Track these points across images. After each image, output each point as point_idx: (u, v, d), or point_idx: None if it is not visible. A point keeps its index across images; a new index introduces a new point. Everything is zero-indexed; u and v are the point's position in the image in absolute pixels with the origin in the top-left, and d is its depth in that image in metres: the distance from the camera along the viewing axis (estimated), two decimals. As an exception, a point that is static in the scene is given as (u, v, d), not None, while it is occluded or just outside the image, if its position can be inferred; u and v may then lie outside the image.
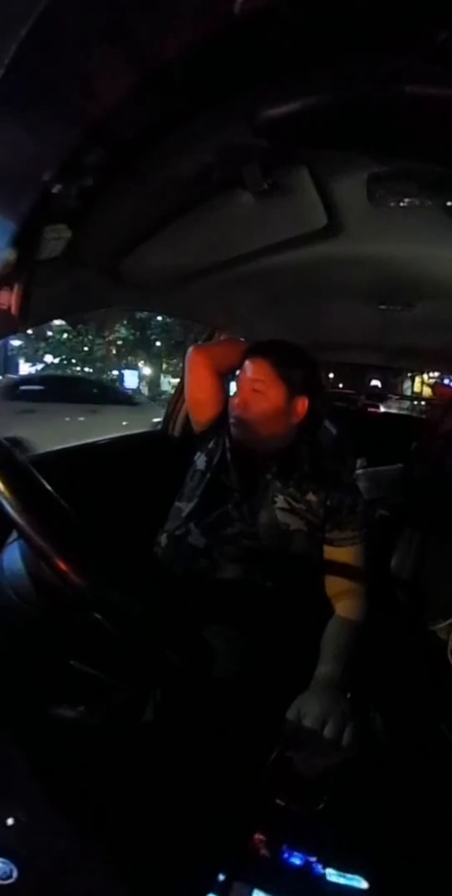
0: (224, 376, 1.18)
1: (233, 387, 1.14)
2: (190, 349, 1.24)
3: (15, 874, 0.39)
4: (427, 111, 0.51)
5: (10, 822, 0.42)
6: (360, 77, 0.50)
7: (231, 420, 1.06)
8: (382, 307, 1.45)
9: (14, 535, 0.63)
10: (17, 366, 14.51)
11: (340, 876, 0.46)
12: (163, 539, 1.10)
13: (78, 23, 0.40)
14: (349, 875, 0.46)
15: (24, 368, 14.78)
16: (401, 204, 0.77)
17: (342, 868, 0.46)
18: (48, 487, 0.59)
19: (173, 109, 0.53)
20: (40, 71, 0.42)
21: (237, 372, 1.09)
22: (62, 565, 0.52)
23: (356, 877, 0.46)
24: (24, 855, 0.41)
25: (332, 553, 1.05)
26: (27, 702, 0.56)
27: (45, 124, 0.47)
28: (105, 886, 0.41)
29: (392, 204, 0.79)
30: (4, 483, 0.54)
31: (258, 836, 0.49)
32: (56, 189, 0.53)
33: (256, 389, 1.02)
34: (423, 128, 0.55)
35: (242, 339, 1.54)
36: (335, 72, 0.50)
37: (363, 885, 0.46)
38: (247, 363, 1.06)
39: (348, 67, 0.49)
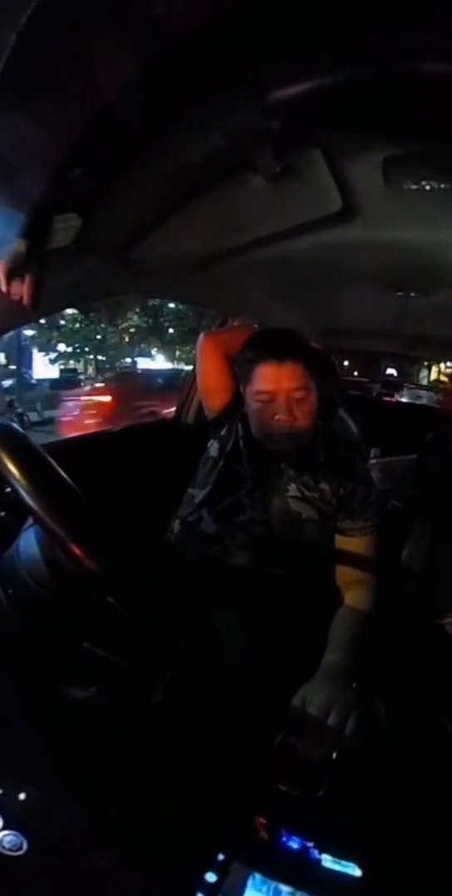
0: (236, 363, 1.17)
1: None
2: (201, 336, 1.24)
3: (25, 846, 0.41)
4: (445, 90, 0.49)
5: (22, 796, 0.44)
6: (374, 55, 0.48)
7: (274, 437, 0.99)
8: (398, 294, 1.41)
9: (30, 521, 0.64)
10: (30, 355, 14.68)
11: (335, 862, 0.47)
12: (176, 525, 1.11)
13: (78, 8, 0.39)
14: (344, 862, 0.47)
15: (38, 358, 14.94)
16: (418, 187, 0.75)
17: (338, 855, 0.47)
18: (63, 474, 0.60)
19: (180, 92, 0.52)
20: (43, 59, 0.42)
21: (255, 384, 0.98)
22: (77, 550, 0.53)
23: (351, 864, 0.47)
24: (34, 828, 0.42)
25: (343, 543, 1.04)
26: (41, 682, 0.58)
27: (50, 113, 0.47)
28: (111, 860, 0.42)
29: (409, 187, 0.76)
30: (21, 470, 0.56)
31: (259, 819, 0.50)
32: (64, 178, 0.52)
33: (297, 398, 0.97)
34: (440, 107, 0.53)
35: (255, 326, 1.52)
36: (349, 50, 0.48)
37: (357, 872, 0.46)
38: (274, 370, 0.96)
39: (361, 45, 0.47)
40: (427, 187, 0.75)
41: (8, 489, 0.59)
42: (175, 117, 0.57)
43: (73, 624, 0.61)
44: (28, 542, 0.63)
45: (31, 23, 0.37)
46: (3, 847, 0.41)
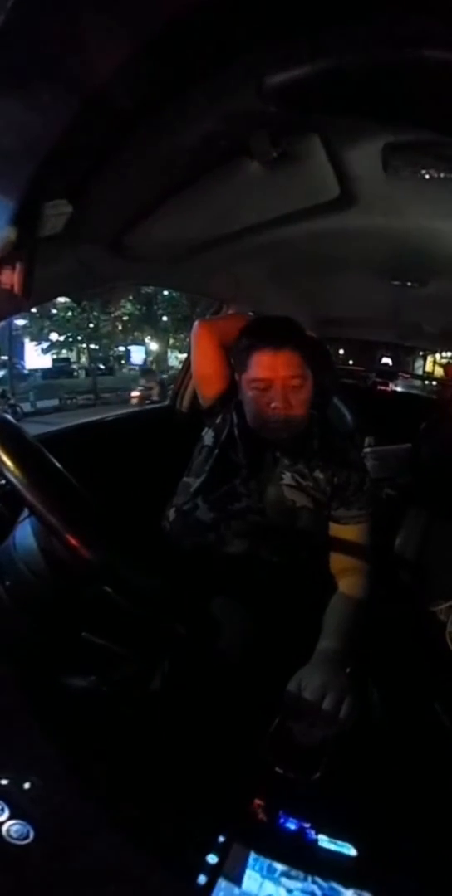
0: (230, 350, 1.17)
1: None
2: (196, 323, 1.23)
3: (31, 835, 0.42)
4: (447, 77, 0.48)
5: (26, 786, 0.45)
6: (375, 40, 0.47)
7: (270, 425, 0.99)
8: (395, 283, 1.41)
9: (26, 512, 0.64)
10: (22, 345, 14.50)
11: (331, 842, 0.48)
12: (171, 514, 1.11)
13: None
14: (339, 842, 0.48)
15: (30, 348, 14.77)
16: (417, 175, 0.74)
17: (334, 835, 0.49)
18: (57, 464, 0.60)
19: (174, 76, 0.50)
20: (32, 43, 0.40)
21: (251, 372, 0.98)
22: (73, 541, 0.53)
23: (346, 844, 0.48)
24: (39, 817, 0.43)
25: (337, 531, 1.05)
26: (42, 672, 0.59)
27: (40, 97, 0.45)
28: (114, 847, 0.43)
29: (408, 175, 0.75)
30: (15, 462, 0.55)
31: (257, 802, 0.51)
32: (55, 163, 0.51)
33: (294, 386, 0.97)
34: (442, 95, 0.52)
35: (250, 313, 1.51)
36: (348, 34, 0.47)
37: (352, 852, 0.48)
38: (270, 358, 0.96)
39: (362, 30, 0.46)
40: (427, 176, 0.74)
41: (2, 481, 0.59)
42: (170, 100, 0.56)
43: (71, 614, 0.61)
44: (24, 533, 0.63)
45: (23, 3, 0.36)
46: (11, 837, 0.42)
